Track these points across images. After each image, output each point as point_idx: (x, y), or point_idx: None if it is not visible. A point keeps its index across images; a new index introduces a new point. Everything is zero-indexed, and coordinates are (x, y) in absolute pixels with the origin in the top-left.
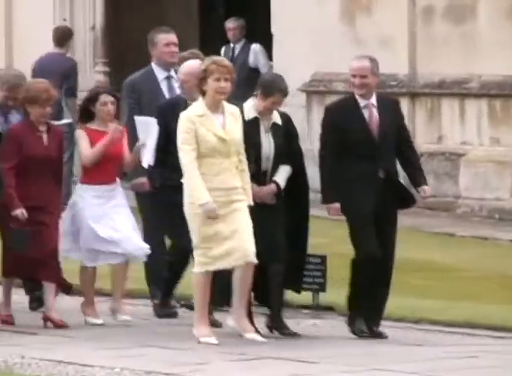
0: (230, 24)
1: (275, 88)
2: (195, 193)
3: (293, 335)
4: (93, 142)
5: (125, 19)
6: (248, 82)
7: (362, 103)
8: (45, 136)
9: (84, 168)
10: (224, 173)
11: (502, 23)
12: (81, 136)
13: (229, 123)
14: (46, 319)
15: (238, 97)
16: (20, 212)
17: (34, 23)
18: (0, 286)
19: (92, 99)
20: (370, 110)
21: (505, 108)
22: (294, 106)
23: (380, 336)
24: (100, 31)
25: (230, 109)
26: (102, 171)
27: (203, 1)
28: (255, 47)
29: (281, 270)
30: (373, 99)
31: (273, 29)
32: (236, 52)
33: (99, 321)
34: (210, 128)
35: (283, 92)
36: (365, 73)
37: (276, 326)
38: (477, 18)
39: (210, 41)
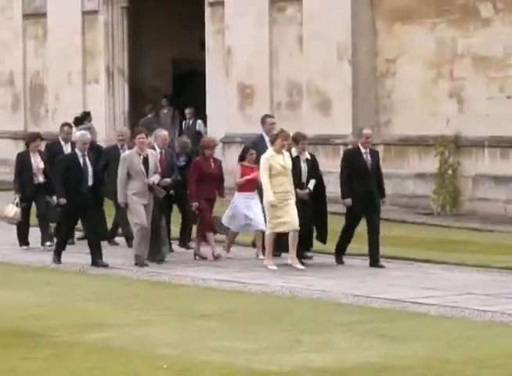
0: (187, 111)
1: (301, 137)
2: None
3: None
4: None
5: None
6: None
7: (363, 150)
8: (212, 164)
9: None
10: (284, 184)
11: None
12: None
13: (286, 159)
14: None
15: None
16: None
17: None
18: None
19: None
20: (366, 154)
21: None
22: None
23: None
24: None
25: (285, 152)
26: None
27: None
28: (200, 122)
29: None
30: (367, 149)
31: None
32: (191, 123)
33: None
34: (277, 161)
35: (305, 137)
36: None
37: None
38: None
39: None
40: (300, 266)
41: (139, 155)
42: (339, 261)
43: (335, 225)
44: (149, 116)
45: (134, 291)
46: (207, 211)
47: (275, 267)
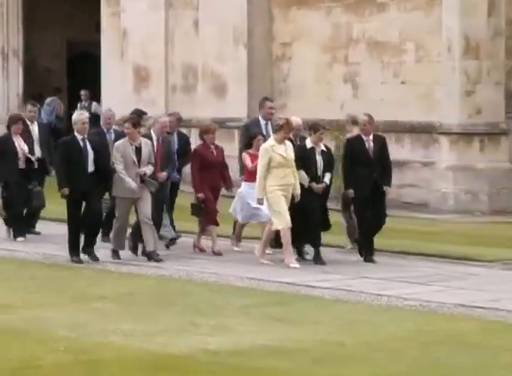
0: (82, 92)
1: (319, 127)
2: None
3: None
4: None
5: None
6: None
7: (364, 138)
8: (214, 151)
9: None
10: (287, 176)
11: None
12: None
13: (288, 150)
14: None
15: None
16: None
17: None
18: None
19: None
20: (368, 142)
21: None
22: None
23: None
24: None
25: (287, 142)
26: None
27: None
28: (95, 104)
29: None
30: (371, 137)
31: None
32: (86, 105)
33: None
34: (278, 152)
35: (324, 127)
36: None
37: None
38: None
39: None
40: (295, 265)
41: (131, 145)
42: (369, 259)
43: None
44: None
45: (30, 274)
46: (211, 203)
47: (297, 265)
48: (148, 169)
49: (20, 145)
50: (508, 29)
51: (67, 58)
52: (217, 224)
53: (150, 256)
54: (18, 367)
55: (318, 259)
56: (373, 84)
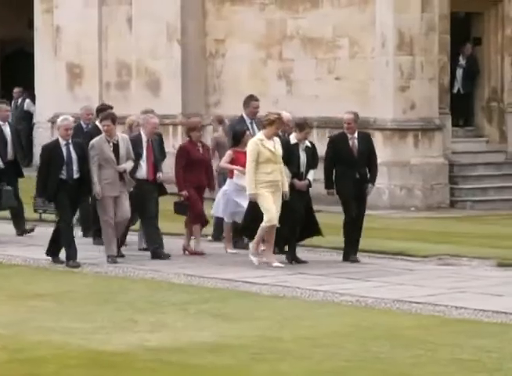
0: (15, 90)
1: (306, 125)
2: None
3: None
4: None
5: None
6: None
7: (349, 136)
8: (200, 149)
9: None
10: (274, 172)
11: None
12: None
13: (277, 145)
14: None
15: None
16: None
17: None
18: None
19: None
20: (353, 140)
21: None
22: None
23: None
24: None
25: (275, 138)
26: None
27: None
28: (28, 101)
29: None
30: (355, 134)
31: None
32: (19, 102)
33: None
34: (267, 147)
35: (311, 126)
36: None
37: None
38: None
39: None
40: (277, 264)
41: (108, 142)
42: (352, 259)
43: None
44: None
45: None
46: (197, 201)
47: (280, 264)
48: (127, 166)
49: None
50: (441, 24)
51: (1, 56)
52: (203, 224)
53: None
54: None
55: (292, 257)
56: (307, 81)
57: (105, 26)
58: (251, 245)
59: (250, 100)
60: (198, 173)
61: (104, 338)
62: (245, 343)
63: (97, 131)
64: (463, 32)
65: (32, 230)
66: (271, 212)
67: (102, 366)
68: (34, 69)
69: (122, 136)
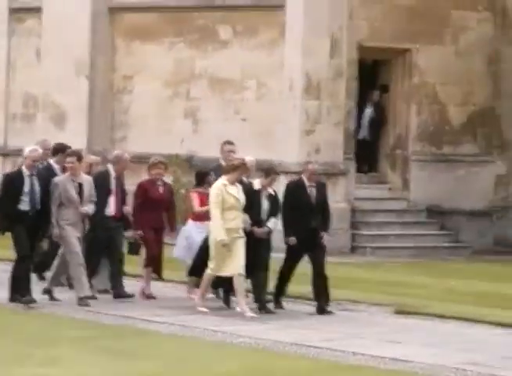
0: None
1: (272, 172)
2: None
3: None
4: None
5: None
6: None
7: (307, 184)
8: (161, 188)
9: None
10: (236, 219)
11: None
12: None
13: (240, 191)
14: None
15: None
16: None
17: None
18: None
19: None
20: (311, 189)
21: None
22: None
23: None
24: None
25: (238, 184)
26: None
27: None
28: None
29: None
30: (313, 183)
31: None
32: None
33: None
34: (231, 194)
35: (277, 173)
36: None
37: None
38: None
39: None
40: (251, 314)
41: (73, 181)
42: (278, 305)
43: None
44: None
45: None
46: (153, 244)
47: (205, 309)
48: (90, 209)
49: None
50: (349, 70)
51: None
52: (156, 270)
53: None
54: None
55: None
56: (213, 120)
57: (13, 57)
58: (196, 295)
59: (224, 144)
60: (156, 214)
61: None
62: None
63: (48, 172)
64: (371, 79)
65: None
66: (232, 263)
67: None
68: None
69: (86, 177)
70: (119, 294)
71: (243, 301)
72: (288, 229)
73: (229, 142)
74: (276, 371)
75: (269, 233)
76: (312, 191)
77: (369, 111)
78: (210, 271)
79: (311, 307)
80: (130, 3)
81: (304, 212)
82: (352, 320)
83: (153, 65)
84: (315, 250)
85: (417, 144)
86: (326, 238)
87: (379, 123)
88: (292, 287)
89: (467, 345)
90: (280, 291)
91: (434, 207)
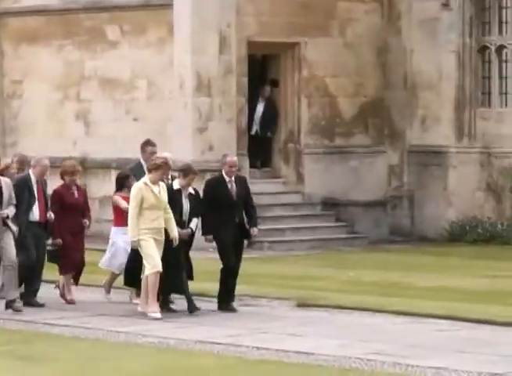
0: None
1: (190, 171)
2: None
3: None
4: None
5: None
6: None
7: (227, 179)
8: (75, 192)
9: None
10: (158, 219)
11: None
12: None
13: (162, 191)
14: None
15: None
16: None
17: None
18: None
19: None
20: (231, 183)
21: None
22: None
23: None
24: None
25: (161, 183)
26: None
27: None
28: None
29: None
30: (233, 178)
31: None
32: None
33: None
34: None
35: (196, 173)
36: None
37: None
38: None
39: None
40: (155, 315)
41: None
42: (224, 307)
43: None
44: None
45: None
46: (73, 248)
47: (159, 315)
48: (10, 211)
49: None
50: (239, 66)
51: None
52: (76, 272)
53: (9, 305)
54: None
55: (191, 306)
56: (105, 122)
57: None
58: (140, 301)
59: (146, 146)
60: (73, 218)
61: None
62: None
63: None
64: (261, 74)
65: None
66: (154, 259)
67: None
68: None
69: (5, 180)
70: (29, 302)
71: (152, 300)
72: (207, 227)
73: (151, 144)
74: (183, 370)
75: (192, 234)
76: (233, 186)
77: (260, 107)
78: (150, 270)
79: (213, 304)
80: (16, 8)
81: (226, 208)
82: (254, 315)
83: (42, 68)
84: (236, 248)
85: (309, 137)
86: (255, 233)
87: (271, 118)
88: (194, 285)
89: (370, 335)
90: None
91: (329, 200)
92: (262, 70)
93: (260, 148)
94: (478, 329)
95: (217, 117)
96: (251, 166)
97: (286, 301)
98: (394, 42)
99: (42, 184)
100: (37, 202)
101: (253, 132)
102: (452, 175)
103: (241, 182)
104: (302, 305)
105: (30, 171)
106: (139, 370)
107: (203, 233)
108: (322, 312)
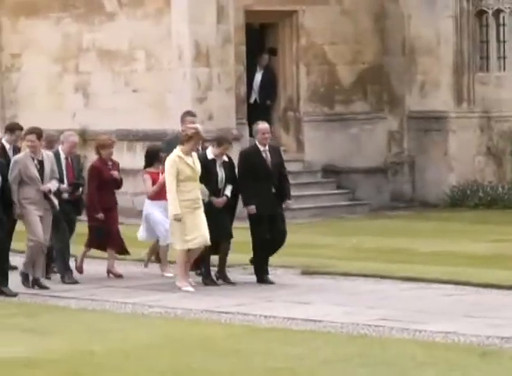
0: None
1: (225, 141)
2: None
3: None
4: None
5: None
6: None
7: (261, 149)
8: (111, 167)
9: None
10: (193, 190)
11: None
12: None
13: (196, 161)
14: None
15: None
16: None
17: None
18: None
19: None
20: (266, 153)
21: None
22: None
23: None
24: None
25: (194, 154)
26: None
27: None
28: None
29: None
30: (267, 147)
31: None
32: None
33: None
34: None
35: (230, 142)
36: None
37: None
38: None
39: None
40: (190, 289)
41: (33, 159)
42: (263, 279)
43: None
44: None
45: None
46: (112, 223)
47: (191, 288)
48: (52, 185)
49: None
50: (237, 35)
51: None
52: (118, 249)
53: (35, 282)
54: None
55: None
56: (104, 94)
57: None
58: (179, 276)
59: (185, 115)
60: (108, 194)
61: None
62: (57, 358)
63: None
64: (259, 43)
65: None
66: (197, 235)
67: None
68: None
69: (47, 154)
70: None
71: (187, 274)
72: (247, 198)
73: (191, 114)
74: (191, 339)
75: (227, 201)
76: (267, 155)
77: (259, 75)
78: (178, 247)
79: (214, 273)
80: None
81: (262, 178)
82: (260, 284)
83: (40, 41)
84: (275, 218)
85: (309, 105)
86: (288, 204)
87: (270, 86)
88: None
89: (377, 301)
90: (261, 264)
91: (329, 167)
92: (260, 38)
93: (259, 116)
94: (485, 293)
95: (216, 87)
96: (251, 135)
97: (291, 269)
98: (392, 8)
99: (72, 160)
100: (65, 179)
101: (252, 101)
102: (452, 139)
103: (275, 151)
104: (307, 272)
105: (59, 148)
106: (147, 341)
107: (245, 204)
108: (327, 280)
